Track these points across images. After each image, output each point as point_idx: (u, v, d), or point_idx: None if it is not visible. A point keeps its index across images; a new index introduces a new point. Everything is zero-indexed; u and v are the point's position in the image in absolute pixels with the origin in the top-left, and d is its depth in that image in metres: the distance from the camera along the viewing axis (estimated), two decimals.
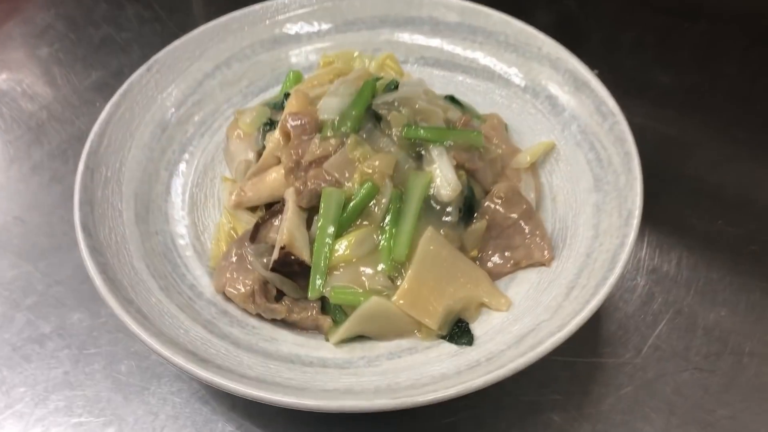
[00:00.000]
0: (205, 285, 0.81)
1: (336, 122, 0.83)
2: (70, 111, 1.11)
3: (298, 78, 1.00)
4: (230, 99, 1.00)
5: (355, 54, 1.03)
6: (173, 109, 0.95)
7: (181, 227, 0.86)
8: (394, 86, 0.89)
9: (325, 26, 1.04)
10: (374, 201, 0.78)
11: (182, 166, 0.93)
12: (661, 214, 0.91)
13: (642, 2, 1.21)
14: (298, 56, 1.04)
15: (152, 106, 0.93)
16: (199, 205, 0.90)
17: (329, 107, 0.85)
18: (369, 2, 1.04)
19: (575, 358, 0.81)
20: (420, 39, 1.04)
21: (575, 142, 0.89)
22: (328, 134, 0.82)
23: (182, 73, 0.97)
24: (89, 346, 0.84)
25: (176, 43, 0.97)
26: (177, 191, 0.90)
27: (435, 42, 1.03)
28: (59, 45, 1.22)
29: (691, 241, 0.92)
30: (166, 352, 0.66)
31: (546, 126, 0.93)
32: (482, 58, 1.00)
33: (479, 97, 0.99)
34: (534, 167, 0.90)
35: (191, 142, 0.95)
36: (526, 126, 0.95)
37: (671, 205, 0.95)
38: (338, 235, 0.77)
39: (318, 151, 0.80)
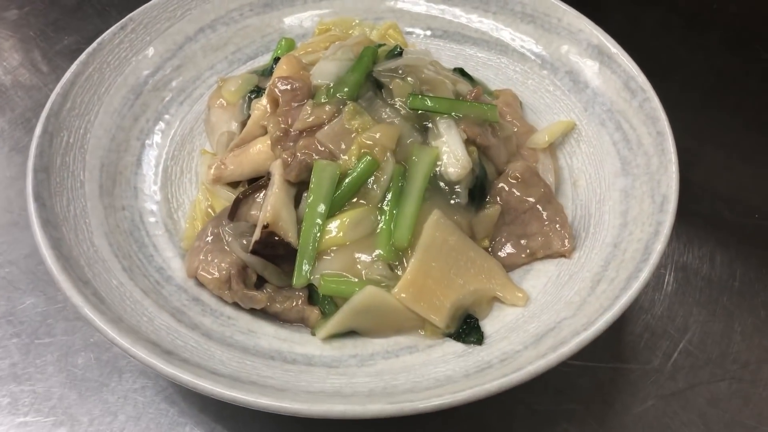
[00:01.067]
0: (176, 268, 0.71)
1: (332, 88, 0.73)
2: (38, 77, 1.01)
3: (290, 45, 0.91)
4: (214, 65, 0.90)
5: (355, 22, 0.93)
6: (149, 74, 0.85)
7: (151, 203, 0.76)
8: (398, 53, 0.79)
9: None
10: (373, 178, 0.69)
11: (157, 137, 0.82)
12: (691, 205, 0.81)
13: None
14: (292, 22, 0.94)
15: (125, 69, 0.83)
16: (174, 179, 0.80)
17: (324, 72, 0.75)
18: None
19: (596, 363, 0.71)
20: (426, 7, 0.94)
21: (599, 122, 0.79)
22: (323, 100, 0.72)
23: (161, 34, 0.87)
24: (42, 335, 0.74)
25: (154, 1, 0.86)
26: (149, 163, 0.80)
27: (443, 11, 0.94)
28: (30, 7, 1.11)
29: (724, 236, 0.82)
30: (124, 342, 0.56)
31: (566, 104, 0.84)
32: (495, 29, 0.91)
33: (491, 72, 0.90)
34: (552, 148, 0.80)
35: (168, 111, 0.85)
36: (543, 104, 0.85)
37: (701, 197, 0.86)
38: (331, 214, 0.67)
39: (310, 119, 0.71)
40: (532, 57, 0.88)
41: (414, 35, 0.94)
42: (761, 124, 0.95)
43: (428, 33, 0.94)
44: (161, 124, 0.83)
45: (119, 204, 0.74)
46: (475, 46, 0.92)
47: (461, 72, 0.87)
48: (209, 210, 0.76)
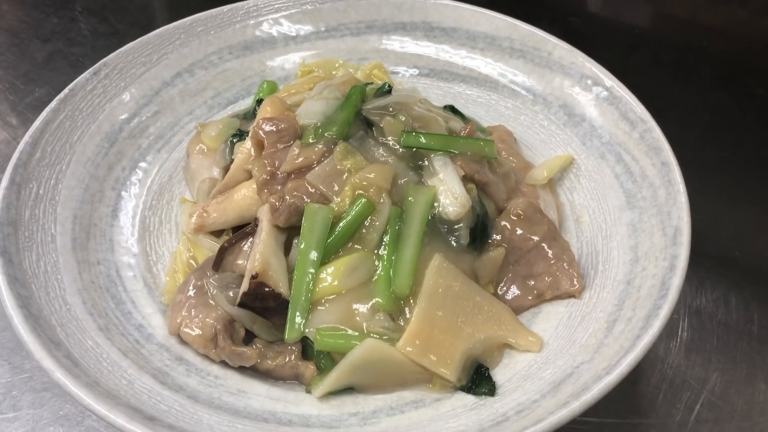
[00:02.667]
0: (157, 325, 0.65)
1: (320, 127, 0.69)
2: (7, 131, 0.96)
3: (272, 88, 0.87)
4: (192, 111, 0.86)
5: (338, 63, 0.90)
6: (124, 120, 0.81)
7: (129, 256, 0.71)
8: (386, 90, 0.76)
9: (304, 31, 0.91)
10: (369, 221, 0.64)
11: (133, 186, 0.78)
12: (698, 246, 0.77)
13: (653, 22, 1.10)
14: (273, 64, 0.90)
15: (99, 115, 0.79)
16: (153, 230, 0.75)
17: (311, 111, 0.71)
18: (354, 6, 0.91)
19: (613, 419, 0.66)
20: (412, 46, 0.91)
21: (599, 155, 0.76)
22: (311, 140, 0.68)
23: (136, 79, 0.83)
24: (6, 409, 0.67)
25: (130, 45, 0.83)
26: (126, 214, 0.75)
27: (429, 49, 0.91)
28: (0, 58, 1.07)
29: (736, 277, 0.78)
30: (101, 408, 0.51)
31: (562, 138, 0.81)
32: (484, 65, 0.88)
33: (482, 109, 0.87)
34: (551, 184, 0.77)
35: (144, 158, 0.80)
36: (538, 139, 0.82)
37: (708, 237, 0.81)
38: (324, 261, 0.62)
39: (299, 160, 0.66)
40: (524, 92, 0.85)
41: (400, 75, 0.91)
42: (762, 160, 0.92)
43: (415, 72, 0.91)
44: (138, 173, 0.79)
45: (94, 258, 0.69)
46: (463, 83, 0.89)
47: (452, 109, 0.84)
48: (191, 261, 0.70)
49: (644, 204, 0.69)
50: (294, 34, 0.91)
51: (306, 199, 0.64)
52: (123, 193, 0.76)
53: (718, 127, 0.97)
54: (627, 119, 0.75)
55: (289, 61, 0.91)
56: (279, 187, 0.66)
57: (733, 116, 0.99)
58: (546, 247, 0.68)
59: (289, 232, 0.65)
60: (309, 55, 0.91)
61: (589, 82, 0.80)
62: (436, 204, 0.66)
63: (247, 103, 0.87)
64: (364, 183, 0.65)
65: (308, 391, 0.61)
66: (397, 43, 0.91)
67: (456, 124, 0.76)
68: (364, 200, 0.63)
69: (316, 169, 0.66)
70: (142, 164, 0.80)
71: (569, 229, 0.74)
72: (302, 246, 0.62)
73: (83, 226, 0.71)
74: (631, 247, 0.67)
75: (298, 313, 0.60)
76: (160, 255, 0.73)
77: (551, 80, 0.83)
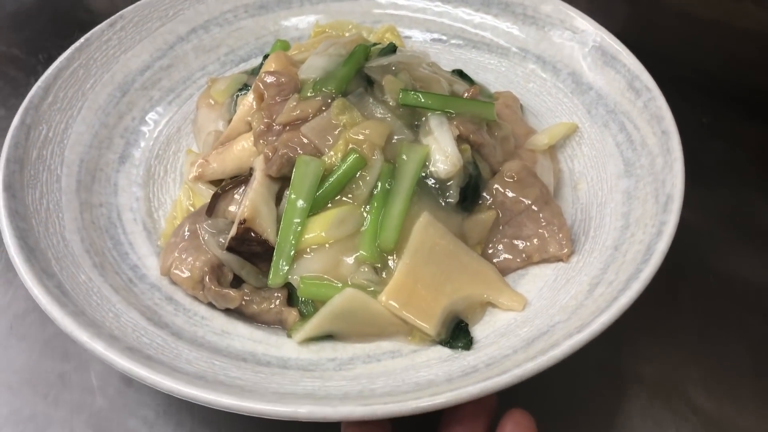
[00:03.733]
0: (151, 266, 0.67)
1: (319, 81, 0.70)
2: None
3: (284, 47, 0.88)
4: (205, 66, 0.88)
5: (351, 25, 0.91)
6: (137, 72, 0.83)
7: (131, 200, 0.73)
8: (391, 50, 0.76)
9: None
10: (359, 176, 0.65)
11: (142, 135, 0.80)
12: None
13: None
14: (287, 24, 0.92)
15: (112, 66, 0.81)
16: (157, 179, 0.77)
17: (313, 66, 0.72)
18: None
19: None
20: (426, 10, 0.91)
21: (603, 123, 0.76)
22: (309, 94, 0.69)
23: (151, 33, 0.85)
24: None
25: None
26: (132, 162, 0.77)
27: (442, 14, 0.91)
28: None
29: None
30: (82, 335, 0.53)
31: (568, 107, 0.80)
32: (496, 32, 0.88)
33: (491, 76, 0.87)
34: (552, 151, 0.77)
35: (155, 110, 0.82)
36: (545, 107, 0.82)
37: None
38: (313, 213, 0.64)
39: (295, 112, 0.67)
40: (533, 60, 0.84)
41: (413, 39, 0.91)
42: None
43: (427, 36, 0.91)
44: (148, 123, 0.81)
45: (97, 200, 0.71)
46: (475, 49, 0.89)
47: (460, 73, 0.84)
48: (190, 208, 0.72)
49: (641, 172, 0.68)
50: None
51: (299, 151, 0.65)
52: (131, 140, 0.79)
53: None
54: (632, 88, 0.74)
55: (304, 21, 0.92)
56: (274, 138, 0.67)
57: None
58: (537, 210, 0.68)
59: (283, 183, 0.66)
60: (323, 17, 0.92)
61: (599, 50, 0.79)
62: (428, 163, 0.66)
63: (259, 61, 0.88)
64: (359, 138, 0.65)
65: (289, 336, 0.62)
66: (412, 6, 0.91)
67: (460, 87, 0.76)
68: (355, 155, 0.64)
69: (311, 122, 0.67)
70: (153, 115, 0.82)
71: (565, 195, 0.74)
72: (291, 196, 0.63)
73: (89, 170, 0.73)
74: (624, 213, 0.66)
75: (282, 260, 0.62)
76: (162, 202, 0.75)
77: (561, 48, 0.82)
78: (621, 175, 0.70)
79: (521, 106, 0.82)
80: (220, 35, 0.89)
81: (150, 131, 0.80)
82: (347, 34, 0.89)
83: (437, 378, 0.55)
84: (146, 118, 0.81)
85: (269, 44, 0.90)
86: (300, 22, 0.92)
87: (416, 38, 0.91)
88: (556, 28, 0.83)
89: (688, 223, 0.64)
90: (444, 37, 0.90)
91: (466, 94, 0.73)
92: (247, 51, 0.90)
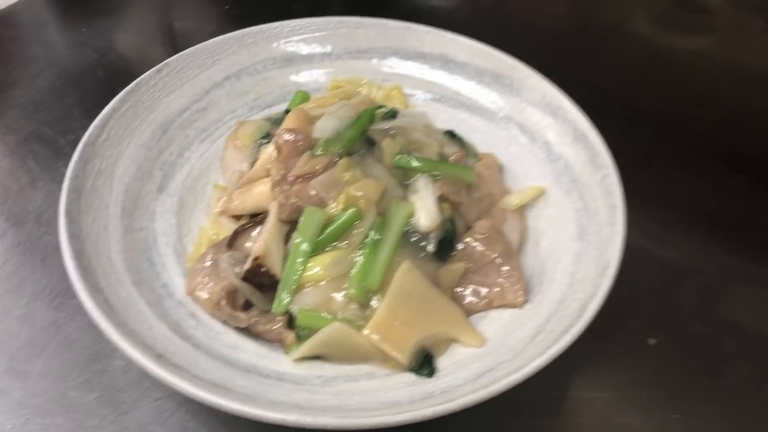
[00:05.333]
0: (178, 286, 0.81)
1: (329, 142, 0.84)
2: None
3: (305, 98, 1.02)
4: (235, 110, 1.02)
5: (364, 81, 1.05)
6: (177, 113, 0.97)
7: (165, 226, 0.87)
8: (392, 115, 0.90)
9: (338, 51, 1.06)
10: (355, 226, 0.79)
11: (178, 168, 0.94)
12: None
13: None
14: (308, 77, 1.06)
15: (157, 107, 0.95)
16: (188, 208, 0.91)
17: (325, 127, 0.86)
18: (383, 33, 1.05)
19: None
20: (429, 74, 1.05)
21: (566, 190, 0.89)
22: (319, 152, 0.83)
23: (191, 79, 0.99)
24: None
25: (189, 50, 0.99)
26: (168, 192, 0.91)
27: (443, 78, 1.04)
28: None
29: None
30: (124, 344, 0.67)
31: (540, 172, 0.93)
32: (486, 98, 1.01)
33: (479, 136, 1.00)
34: (521, 210, 0.90)
35: (190, 147, 0.96)
36: (521, 170, 0.95)
37: None
38: (313, 254, 0.77)
39: (306, 167, 0.81)
40: (515, 127, 0.98)
41: (415, 97, 1.05)
42: None
43: (428, 96, 1.05)
44: (183, 158, 0.95)
45: (137, 225, 0.85)
46: (467, 111, 1.02)
47: (452, 134, 0.97)
48: (214, 237, 0.86)
49: (591, 238, 0.81)
50: (329, 52, 1.06)
51: (307, 201, 0.79)
52: (168, 173, 0.93)
53: None
54: (593, 163, 0.87)
55: (323, 75, 1.06)
56: (288, 188, 0.81)
57: None
58: (500, 263, 0.81)
59: (291, 226, 0.80)
60: (340, 71, 1.06)
61: (570, 125, 0.92)
62: (412, 218, 0.80)
63: (283, 107, 1.02)
64: (358, 194, 0.79)
65: (287, 353, 0.76)
66: (416, 70, 1.05)
67: (449, 149, 0.90)
68: (354, 209, 0.78)
69: (320, 177, 0.81)
70: (187, 152, 0.95)
71: (529, 250, 0.87)
72: (297, 239, 0.77)
73: (132, 198, 0.87)
74: (572, 273, 0.79)
75: (285, 292, 0.76)
76: (190, 229, 0.89)
77: (541, 119, 0.96)
78: (575, 238, 0.83)
79: (501, 166, 0.95)
80: (249, 83, 1.03)
81: (184, 166, 0.94)
82: (359, 90, 1.03)
83: (402, 399, 0.69)
84: (182, 154, 0.95)
85: (292, 93, 1.04)
86: (320, 76, 1.06)
87: (418, 97, 1.05)
88: (538, 102, 0.96)
89: None
90: (442, 98, 1.04)
91: (452, 157, 0.87)
92: (273, 98, 1.04)
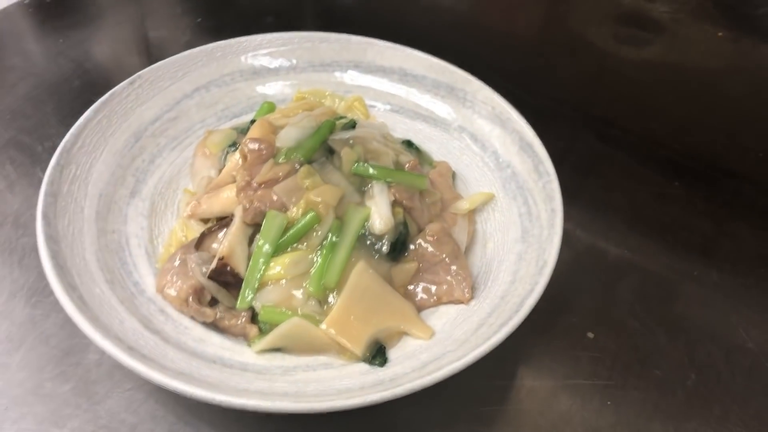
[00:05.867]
0: (149, 284, 0.87)
1: (290, 150, 0.90)
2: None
3: (271, 108, 1.08)
4: (204, 120, 1.08)
5: (327, 93, 1.11)
6: (149, 122, 1.02)
7: (137, 229, 0.93)
8: (351, 126, 0.96)
9: (302, 64, 1.12)
10: (314, 228, 0.85)
11: (150, 174, 0.99)
12: None
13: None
14: (275, 88, 1.12)
15: (130, 116, 1.00)
16: (159, 212, 0.96)
17: (287, 137, 0.92)
18: (345, 47, 1.12)
19: None
20: (388, 86, 1.12)
21: (512, 196, 0.96)
22: (281, 160, 0.89)
23: (163, 90, 1.05)
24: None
25: (161, 62, 1.05)
26: (140, 196, 0.97)
27: (401, 90, 1.11)
28: None
29: None
30: (96, 336, 0.72)
31: (489, 179, 1.00)
32: (442, 110, 1.08)
33: (435, 145, 1.07)
34: (471, 214, 0.97)
35: (161, 154, 1.02)
36: (472, 177, 1.02)
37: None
38: (275, 255, 0.83)
39: (269, 174, 0.87)
40: (467, 137, 1.05)
41: (376, 108, 1.11)
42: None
43: (388, 107, 1.11)
44: (154, 165, 1.00)
45: (110, 228, 0.91)
46: (424, 122, 1.09)
47: (409, 143, 1.04)
48: (183, 239, 0.92)
49: (532, 240, 0.88)
50: (294, 65, 1.12)
51: (270, 206, 0.85)
52: (140, 179, 0.98)
53: None
54: (537, 171, 0.94)
55: (288, 86, 1.12)
56: (252, 193, 0.87)
57: None
58: (449, 263, 0.88)
59: (255, 228, 0.86)
60: (304, 83, 1.12)
61: (517, 136, 0.99)
62: (367, 222, 0.86)
63: (250, 117, 1.08)
64: (317, 199, 0.85)
65: (249, 346, 0.82)
66: (376, 82, 1.12)
67: (405, 157, 0.96)
68: (312, 213, 0.84)
69: (282, 183, 0.87)
70: (159, 159, 1.01)
71: (476, 251, 0.94)
72: (260, 241, 0.83)
73: (106, 203, 0.92)
74: (514, 271, 0.86)
75: (248, 290, 0.82)
76: (161, 231, 0.94)
77: (491, 130, 1.03)
78: (518, 240, 0.90)
79: (454, 173, 1.02)
80: (218, 94, 1.09)
81: (155, 172, 1.00)
82: (324, 101, 1.10)
83: (354, 386, 0.75)
84: (154, 161, 1.01)
85: (258, 103, 1.10)
86: (285, 87, 1.12)
87: (378, 108, 1.11)
88: (488, 113, 1.03)
89: None
90: (400, 109, 1.11)
91: (407, 165, 0.94)
92: (240, 108, 1.10)
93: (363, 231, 0.86)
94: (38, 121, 1.17)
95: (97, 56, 1.35)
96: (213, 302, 0.85)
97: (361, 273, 0.83)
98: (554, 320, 0.95)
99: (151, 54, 1.40)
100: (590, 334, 0.93)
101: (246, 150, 0.90)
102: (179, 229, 0.93)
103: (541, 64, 1.38)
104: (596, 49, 1.37)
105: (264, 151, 0.90)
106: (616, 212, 1.10)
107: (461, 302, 0.86)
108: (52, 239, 0.82)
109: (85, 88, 1.25)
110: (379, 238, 0.86)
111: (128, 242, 0.91)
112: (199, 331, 0.83)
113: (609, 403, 0.86)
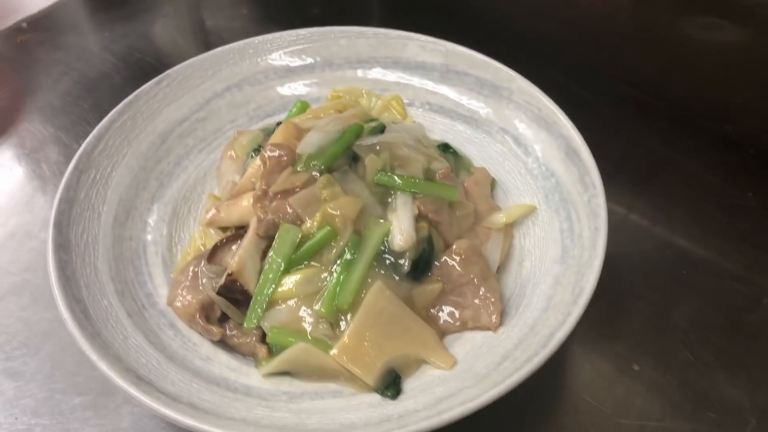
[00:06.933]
0: (163, 295, 0.84)
1: (310, 158, 0.84)
2: None
3: (304, 108, 1.02)
4: (235, 120, 1.03)
5: (364, 91, 1.05)
6: (176, 123, 0.99)
7: (157, 235, 0.90)
8: (380, 129, 0.90)
9: (338, 61, 1.06)
10: (330, 244, 0.79)
11: (174, 178, 0.96)
12: None
13: None
14: (308, 87, 1.06)
15: (156, 118, 0.97)
16: (181, 217, 0.93)
17: (309, 142, 0.86)
18: (383, 42, 1.05)
19: None
20: (428, 84, 1.04)
21: (555, 209, 0.87)
22: (300, 168, 0.83)
23: (192, 89, 1.01)
24: None
25: (191, 60, 1.01)
26: (163, 201, 0.94)
27: (442, 89, 1.03)
28: None
29: None
30: (92, 355, 0.69)
31: (532, 188, 0.91)
32: (484, 110, 1.00)
33: (475, 149, 0.99)
34: (509, 228, 0.88)
35: (188, 156, 0.98)
36: (513, 185, 0.94)
37: None
38: (287, 271, 0.78)
39: (285, 183, 0.82)
40: (511, 140, 0.96)
41: (414, 107, 1.04)
42: None
43: (427, 107, 1.04)
44: (180, 168, 0.97)
45: (128, 235, 0.88)
46: (465, 123, 1.01)
47: (446, 146, 0.96)
48: (201, 247, 0.88)
49: (571, 261, 0.80)
50: (330, 62, 1.06)
51: (284, 218, 0.80)
52: (164, 182, 0.95)
53: None
54: (583, 182, 0.85)
55: (324, 85, 1.06)
56: (267, 204, 0.82)
57: None
58: (477, 284, 0.80)
59: (269, 241, 0.81)
60: (341, 81, 1.06)
61: (564, 141, 0.90)
62: (387, 237, 0.80)
63: (282, 116, 1.04)
64: (334, 212, 0.79)
65: (257, 368, 0.78)
66: (416, 80, 1.05)
67: (438, 164, 0.89)
68: (328, 228, 0.78)
69: (299, 194, 0.81)
70: (185, 162, 0.98)
71: (511, 270, 0.85)
72: (272, 255, 0.78)
73: (125, 208, 0.90)
74: (548, 297, 0.78)
75: (257, 308, 0.77)
76: (181, 238, 0.91)
77: (536, 132, 0.94)
78: (557, 260, 0.82)
79: (493, 181, 0.94)
80: (250, 93, 1.04)
81: (181, 175, 0.97)
82: (360, 100, 1.04)
83: (359, 421, 0.69)
84: (180, 163, 0.98)
85: (291, 102, 1.04)
86: (319, 85, 1.06)
87: (417, 107, 1.04)
88: (534, 117, 0.94)
89: None
90: (440, 109, 1.03)
91: (439, 174, 0.86)
92: (273, 107, 1.05)
93: (382, 248, 0.79)
94: (76, 118, 1.16)
95: (138, 51, 1.33)
96: (224, 317, 0.81)
97: (378, 294, 0.77)
98: (596, 347, 0.86)
99: (210, 41, 1.37)
100: (636, 366, 0.84)
101: (266, 156, 0.85)
102: (199, 237, 0.90)
103: (605, 56, 1.26)
104: (669, 39, 1.24)
105: (284, 158, 0.85)
106: (676, 226, 0.99)
107: (488, 329, 0.79)
108: (62, 248, 0.80)
109: (125, 83, 1.24)
110: (400, 255, 0.79)
111: (146, 250, 0.88)
112: (207, 349, 0.79)
113: None
